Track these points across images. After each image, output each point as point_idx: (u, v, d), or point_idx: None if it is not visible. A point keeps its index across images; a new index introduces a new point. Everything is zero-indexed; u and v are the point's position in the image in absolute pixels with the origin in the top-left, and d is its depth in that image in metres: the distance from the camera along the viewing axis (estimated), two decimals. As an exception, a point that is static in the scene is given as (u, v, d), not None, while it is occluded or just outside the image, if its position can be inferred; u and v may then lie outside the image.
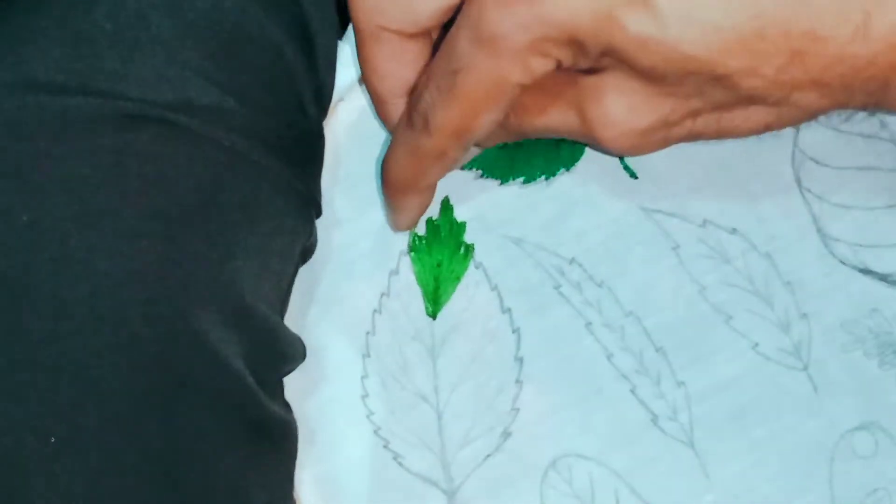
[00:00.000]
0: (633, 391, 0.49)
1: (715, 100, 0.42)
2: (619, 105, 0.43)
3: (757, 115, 0.43)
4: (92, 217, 0.41)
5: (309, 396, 0.49)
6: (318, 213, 0.48)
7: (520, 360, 0.49)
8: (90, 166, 0.41)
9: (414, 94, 0.44)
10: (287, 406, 0.47)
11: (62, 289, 0.40)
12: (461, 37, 0.41)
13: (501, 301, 0.49)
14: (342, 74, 0.49)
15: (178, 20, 0.43)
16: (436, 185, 0.47)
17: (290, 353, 0.47)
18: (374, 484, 0.49)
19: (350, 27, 0.49)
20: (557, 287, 0.49)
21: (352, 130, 0.50)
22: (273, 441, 0.45)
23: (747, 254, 0.50)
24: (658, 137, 0.44)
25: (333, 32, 0.48)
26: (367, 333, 0.49)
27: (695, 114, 0.43)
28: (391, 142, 0.46)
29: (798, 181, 0.50)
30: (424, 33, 0.45)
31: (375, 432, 0.49)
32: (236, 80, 0.44)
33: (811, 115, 0.43)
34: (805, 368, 0.49)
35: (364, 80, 0.46)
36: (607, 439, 0.49)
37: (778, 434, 0.49)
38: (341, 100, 0.50)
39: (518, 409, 0.49)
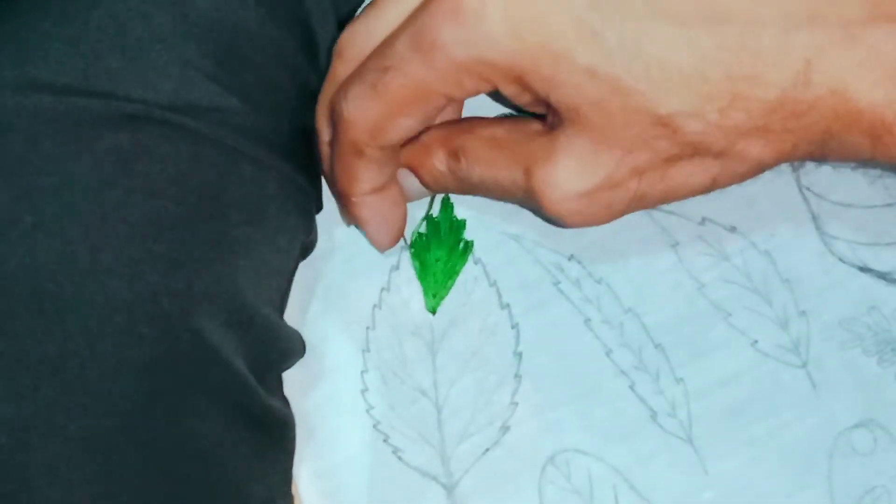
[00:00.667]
0: (631, 387, 0.49)
1: (659, 150, 0.42)
2: (566, 166, 0.43)
3: (702, 168, 0.43)
4: (95, 218, 0.41)
5: (309, 391, 0.49)
6: (319, 209, 0.49)
7: (519, 356, 0.49)
8: (93, 167, 0.41)
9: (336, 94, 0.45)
10: (285, 402, 0.47)
11: (66, 289, 0.40)
12: (401, 38, 0.42)
13: (500, 297, 0.50)
14: (344, 73, 0.49)
15: (179, 19, 0.43)
16: (393, 202, 0.48)
17: (289, 349, 0.47)
18: (373, 478, 0.49)
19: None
20: (556, 283, 0.50)
21: (354, 128, 0.51)
22: (272, 437, 0.45)
23: (746, 251, 0.50)
24: (602, 202, 0.43)
25: (334, 29, 0.48)
26: (367, 328, 0.50)
27: (639, 171, 0.43)
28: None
29: (797, 179, 0.50)
30: None
31: (375, 426, 0.49)
32: (238, 78, 0.44)
33: (756, 168, 0.43)
34: (804, 366, 0.50)
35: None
36: (606, 435, 0.49)
37: (776, 431, 0.49)
38: (343, 98, 0.51)
39: (517, 404, 0.49)
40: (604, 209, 0.44)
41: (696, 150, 0.42)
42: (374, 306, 0.50)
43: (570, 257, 0.50)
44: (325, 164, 0.47)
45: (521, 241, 0.50)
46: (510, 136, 0.45)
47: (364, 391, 0.49)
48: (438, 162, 0.46)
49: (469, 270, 0.50)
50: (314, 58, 0.47)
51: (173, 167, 0.42)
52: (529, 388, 0.49)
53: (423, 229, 0.50)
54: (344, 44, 0.45)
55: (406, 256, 0.50)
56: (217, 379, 0.43)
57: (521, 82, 0.42)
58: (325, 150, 0.47)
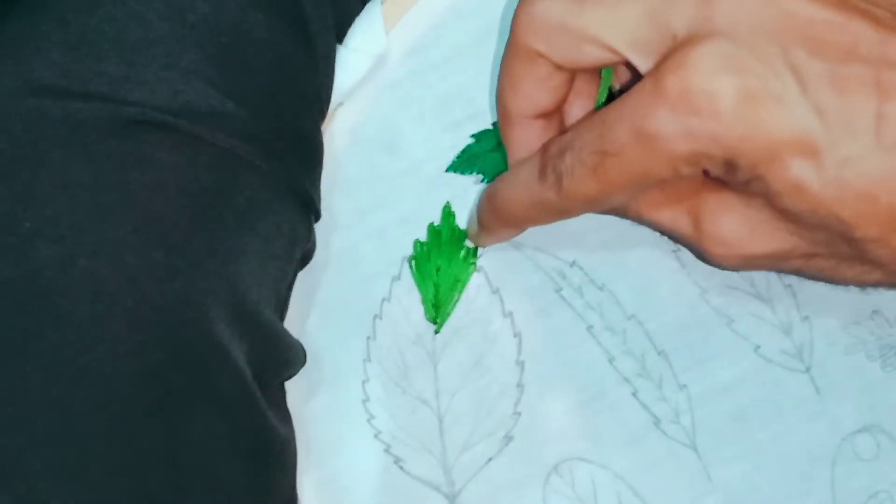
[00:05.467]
0: (634, 394, 0.49)
1: (838, 252, 0.42)
2: (738, 227, 0.43)
3: (870, 275, 0.43)
4: (94, 223, 0.41)
5: (309, 400, 0.49)
6: (317, 217, 0.48)
7: (521, 364, 0.49)
8: (92, 172, 0.41)
9: (552, 149, 0.43)
10: (287, 417, 0.47)
11: (66, 295, 0.40)
12: (623, 123, 0.41)
13: (503, 305, 0.49)
14: (342, 79, 0.49)
15: (178, 23, 0.43)
16: None
17: (291, 357, 0.47)
18: (375, 488, 0.49)
19: (352, 32, 0.49)
20: (558, 290, 0.49)
21: (352, 134, 0.50)
22: (273, 450, 0.45)
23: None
24: (765, 264, 0.44)
25: (332, 35, 0.48)
26: (368, 338, 0.49)
27: (810, 257, 0.43)
28: (509, 176, 0.46)
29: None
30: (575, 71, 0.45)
31: (376, 436, 0.49)
32: (237, 83, 0.44)
33: None
34: (807, 371, 0.49)
35: (499, 93, 0.46)
36: (610, 442, 0.49)
37: (780, 437, 0.49)
38: (341, 104, 0.50)
39: (520, 413, 0.49)
40: (763, 267, 0.44)
41: (872, 264, 0.42)
42: (375, 316, 0.49)
43: (572, 264, 0.50)
44: (513, 149, 0.47)
45: (523, 249, 0.50)
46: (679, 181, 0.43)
47: (365, 401, 0.49)
48: None
49: (472, 279, 0.49)
50: (313, 63, 0.47)
51: (171, 172, 0.42)
52: (532, 397, 0.49)
53: (423, 238, 0.49)
54: (529, 17, 0.43)
55: (407, 267, 0.49)
56: (218, 386, 0.42)
57: (733, 171, 0.41)
58: (513, 127, 0.46)
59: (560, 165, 0.43)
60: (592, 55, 0.42)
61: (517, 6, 0.44)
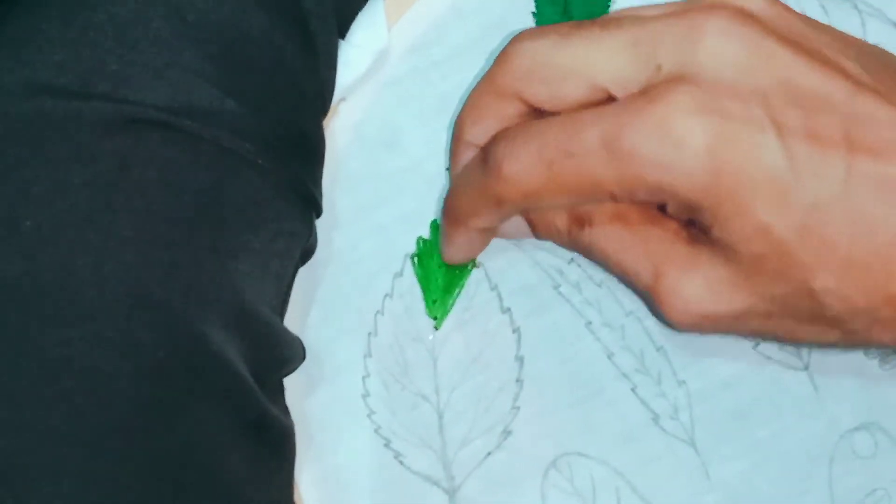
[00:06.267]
0: (633, 390, 0.49)
1: (796, 311, 0.42)
2: (700, 285, 0.43)
3: (828, 334, 0.43)
4: (94, 222, 0.41)
5: (310, 396, 0.49)
6: (319, 214, 0.48)
7: (520, 360, 0.49)
8: (92, 171, 0.41)
9: (500, 135, 0.44)
10: (286, 410, 0.47)
11: (66, 294, 0.40)
12: (596, 129, 0.41)
13: (501, 301, 0.50)
14: (344, 74, 0.49)
15: (177, 21, 0.43)
16: (488, 236, 0.48)
17: (289, 354, 0.47)
18: (375, 483, 0.49)
19: (354, 28, 0.49)
20: (557, 287, 0.50)
21: (353, 131, 0.50)
22: (273, 445, 0.45)
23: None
24: (721, 325, 0.44)
25: (334, 32, 0.48)
26: (370, 334, 0.49)
27: (768, 317, 0.43)
28: (460, 172, 0.46)
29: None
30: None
31: (376, 431, 0.49)
32: (237, 81, 0.44)
33: (874, 346, 0.44)
34: (806, 368, 0.49)
35: (460, 120, 0.46)
36: (608, 438, 0.49)
37: (778, 434, 0.49)
38: (343, 100, 0.50)
39: (518, 408, 0.49)
40: (718, 329, 0.45)
41: (830, 323, 0.42)
42: (377, 312, 0.50)
43: (571, 261, 0.50)
44: (454, 169, 0.47)
45: (522, 245, 0.50)
46: (643, 224, 0.45)
47: (365, 396, 0.49)
48: (559, 220, 0.46)
49: (471, 275, 0.50)
50: (313, 60, 0.47)
51: (172, 170, 0.42)
52: (531, 392, 0.49)
53: (427, 235, 0.50)
54: (516, 55, 0.44)
55: (409, 263, 0.50)
56: (219, 383, 0.43)
57: (691, 210, 0.42)
58: (460, 150, 0.47)
59: (502, 150, 0.43)
60: (573, 92, 0.43)
61: (505, 46, 0.44)
